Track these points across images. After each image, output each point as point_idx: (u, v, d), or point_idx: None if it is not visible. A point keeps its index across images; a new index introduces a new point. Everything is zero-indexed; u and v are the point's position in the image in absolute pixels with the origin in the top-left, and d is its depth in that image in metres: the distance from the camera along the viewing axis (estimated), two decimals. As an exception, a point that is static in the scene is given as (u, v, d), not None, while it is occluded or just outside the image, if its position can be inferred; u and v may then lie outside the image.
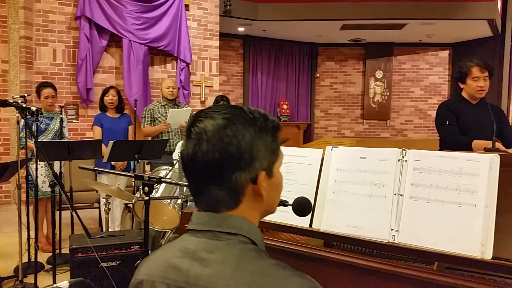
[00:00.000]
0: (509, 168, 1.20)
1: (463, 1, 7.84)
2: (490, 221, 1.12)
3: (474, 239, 1.11)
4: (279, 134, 0.87)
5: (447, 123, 3.07)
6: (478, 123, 2.99)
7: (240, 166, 0.80)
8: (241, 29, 8.70)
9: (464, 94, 3.11)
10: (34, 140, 3.41)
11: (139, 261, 1.80)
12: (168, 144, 4.41)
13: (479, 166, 1.17)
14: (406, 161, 1.26)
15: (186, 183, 2.00)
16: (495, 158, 1.16)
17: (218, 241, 0.81)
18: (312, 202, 1.37)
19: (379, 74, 9.85)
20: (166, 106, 4.69)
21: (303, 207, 1.13)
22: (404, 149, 1.28)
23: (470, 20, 7.89)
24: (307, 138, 9.69)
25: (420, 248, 1.17)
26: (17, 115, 3.60)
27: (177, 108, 4.75)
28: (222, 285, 0.74)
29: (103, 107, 4.56)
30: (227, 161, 0.79)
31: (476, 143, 2.86)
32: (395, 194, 1.25)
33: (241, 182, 0.81)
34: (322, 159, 1.45)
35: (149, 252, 1.93)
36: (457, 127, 3.03)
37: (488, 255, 1.09)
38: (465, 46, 9.42)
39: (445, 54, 9.85)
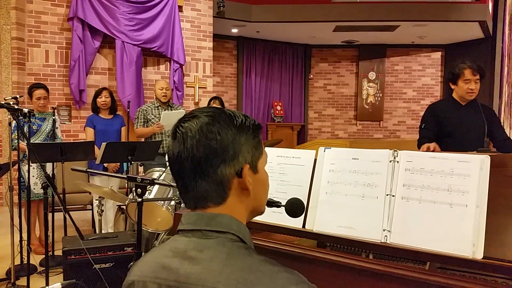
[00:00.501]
0: (499, 169, 1.21)
1: (454, 3, 7.91)
2: (481, 222, 1.13)
3: (465, 239, 1.12)
4: (260, 133, 0.91)
5: (423, 126, 3.13)
6: (466, 124, 3.02)
7: (225, 159, 0.83)
8: (234, 30, 8.70)
9: (454, 95, 3.14)
10: (26, 141, 3.39)
11: (132, 262, 1.80)
12: (161, 146, 4.40)
13: (470, 167, 1.18)
14: (398, 162, 1.27)
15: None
16: (486, 159, 1.18)
17: (208, 239, 0.82)
18: (305, 203, 1.38)
19: (372, 75, 9.91)
20: (159, 108, 4.68)
21: (295, 208, 1.13)
22: (395, 150, 1.29)
23: (461, 22, 7.97)
24: (301, 139, 9.71)
25: (412, 248, 1.18)
26: (9, 116, 3.58)
27: (171, 109, 4.74)
28: (212, 281, 0.76)
29: (95, 109, 4.53)
30: (211, 155, 0.82)
31: (423, 147, 2.91)
32: (387, 195, 1.26)
33: (227, 176, 0.83)
34: (315, 160, 1.46)
35: (143, 253, 1.92)
36: (430, 132, 3.07)
37: (479, 255, 1.10)
38: (457, 48, 9.50)
39: (437, 55, 9.93)
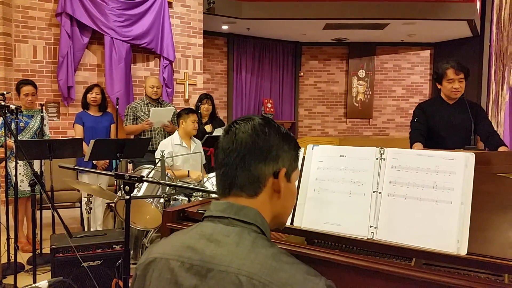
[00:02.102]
0: (484, 166, 1.23)
1: (443, 2, 7.98)
2: (465, 218, 1.14)
3: (450, 236, 1.14)
4: (300, 150, 1.03)
5: (415, 120, 3.19)
6: (454, 122, 3.07)
7: (266, 158, 0.92)
8: (225, 27, 8.68)
9: (442, 94, 3.20)
10: (13, 138, 3.35)
11: (120, 260, 1.79)
12: (150, 143, 4.38)
13: (455, 164, 1.20)
14: (384, 159, 1.29)
15: (168, 182, 1.99)
16: (471, 157, 1.19)
17: (234, 227, 0.88)
18: (293, 200, 1.38)
19: (361, 73, 9.96)
20: (149, 105, 4.66)
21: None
22: (382, 148, 1.30)
23: (450, 21, 8.04)
24: (290, 136, 9.72)
25: (398, 245, 1.19)
26: (-5, 113, 3.53)
27: (161, 106, 4.72)
28: (237, 263, 0.80)
29: (85, 105, 4.49)
30: (256, 152, 0.92)
31: (415, 146, 2.99)
32: (374, 192, 1.27)
33: (264, 173, 0.92)
34: (304, 157, 1.47)
35: (131, 251, 1.92)
36: (422, 125, 3.13)
37: (463, 251, 1.12)
38: (446, 46, 9.58)
39: (426, 53, 10.01)
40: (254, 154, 0.91)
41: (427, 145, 3.00)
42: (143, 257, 0.95)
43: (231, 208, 0.91)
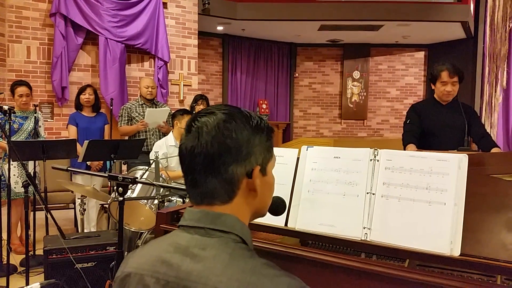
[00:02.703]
0: (477, 168, 1.24)
1: (437, 4, 8.02)
2: (458, 219, 1.15)
3: (444, 237, 1.14)
4: (273, 136, 0.93)
5: (408, 122, 3.19)
6: (447, 123, 3.09)
7: (237, 159, 0.83)
8: (220, 28, 8.67)
9: (435, 95, 3.21)
10: (6, 139, 3.33)
11: (113, 262, 1.79)
12: (145, 144, 4.37)
13: (449, 166, 1.20)
14: (378, 160, 1.29)
15: (162, 184, 1.98)
16: (464, 158, 1.20)
17: (211, 238, 0.82)
18: (288, 202, 1.38)
19: (356, 74, 9.99)
20: (143, 105, 4.64)
21: (277, 206, 1.14)
22: (376, 149, 1.31)
23: (444, 22, 8.08)
24: (286, 137, 9.74)
25: (391, 246, 1.20)
26: (-12, 114, 3.51)
27: (155, 107, 4.71)
28: (214, 281, 0.75)
29: (79, 106, 4.47)
30: (225, 153, 0.82)
31: (408, 147, 3.00)
32: (368, 193, 1.27)
33: (237, 175, 0.84)
34: (298, 158, 1.47)
35: (125, 253, 1.91)
36: (415, 126, 3.14)
37: (456, 252, 1.12)
38: (440, 48, 9.63)
39: (420, 55, 10.05)
40: (223, 156, 0.82)
41: (421, 146, 3.01)
42: (119, 269, 0.89)
43: (206, 217, 0.84)
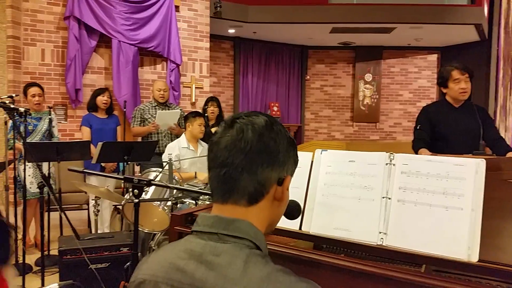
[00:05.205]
0: (495, 173, 1.22)
1: (450, 6, 7.96)
2: (476, 225, 1.14)
3: (461, 242, 1.13)
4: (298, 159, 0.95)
5: (418, 127, 3.14)
6: (460, 126, 3.01)
7: (274, 164, 0.85)
8: (231, 31, 8.71)
9: (447, 98, 3.14)
10: (22, 141, 3.37)
11: (128, 263, 1.80)
12: (157, 145, 4.40)
13: (466, 170, 1.19)
14: (394, 165, 1.28)
15: (178, 186, 1.98)
16: (481, 163, 1.19)
17: (224, 244, 0.81)
18: (302, 205, 1.38)
19: (368, 77, 9.94)
20: (156, 107, 4.68)
21: (292, 210, 1.14)
22: (392, 153, 1.30)
23: (457, 25, 8.01)
24: (297, 140, 9.73)
25: (408, 251, 1.19)
26: (4, 115, 3.57)
27: (168, 109, 4.74)
28: None
29: (94, 107, 4.52)
30: (266, 155, 0.84)
31: (421, 151, 2.95)
32: (383, 197, 1.27)
33: (270, 179, 0.85)
34: (312, 162, 1.47)
35: (139, 254, 1.93)
36: (425, 133, 3.08)
37: (474, 258, 1.11)
38: (453, 50, 9.55)
39: (433, 58, 9.97)
40: (264, 157, 0.83)
41: (433, 150, 2.96)
42: (133, 275, 0.89)
43: (220, 222, 0.83)
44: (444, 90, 3.12)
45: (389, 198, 1.26)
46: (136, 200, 1.66)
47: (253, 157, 0.82)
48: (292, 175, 0.91)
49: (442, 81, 3.09)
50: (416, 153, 2.98)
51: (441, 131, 3.05)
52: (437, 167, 1.23)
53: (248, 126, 0.84)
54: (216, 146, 0.86)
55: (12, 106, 3.33)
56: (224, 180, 0.85)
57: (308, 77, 10.11)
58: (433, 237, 1.17)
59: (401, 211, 1.23)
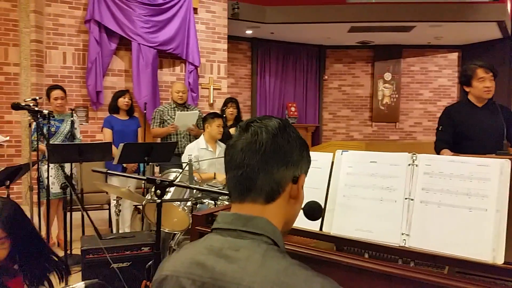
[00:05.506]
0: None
1: (472, 3, 7.81)
2: (501, 226, 1.12)
3: (485, 244, 1.11)
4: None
5: (440, 128, 3.10)
6: (483, 126, 2.97)
7: (288, 163, 0.89)
8: (249, 32, 8.73)
9: (470, 97, 3.09)
10: (45, 142, 3.45)
11: (151, 262, 1.83)
12: (176, 146, 4.44)
13: (490, 171, 1.17)
14: (416, 165, 1.27)
15: (199, 187, 2.01)
16: (506, 163, 1.17)
17: (243, 239, 0.85)
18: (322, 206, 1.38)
19: (387, 76, 9.83)
20: (175, 109, 4.73)
21: (313, 211, 1.15)
22: (414, 154, 1.29)
23: (479, 22, 7.86)
24: (315, 140, 9.69)
25: (430, 252, 1.17)
26: (28, 117, 3.66)
27: (187, 110, 4.78)
28: (248, 281, 0.77)
29: (116, 109, 4.59)
30: (280, 155, 0.88)
31: (443, 152, 2.91)
32: (406, 199, 1.26)
33: (285, 178, 0.89)
34: (332, 162, 1.46)
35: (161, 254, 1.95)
36: (447, 134, 3.05)
37: (499, 260, 1.09)
38: (474, 48, 9.37)
39: (454, 56, 9.81)
40: (278, 157, 0.87)
41: (456, 151, 2.92)
42: (156, 273, 0.93)
43: (238, 220, 0.87)
44: (467, 89, 3.07)
45: (412, 199, 1.25)
46: (159, 200, 1.68)
47: (268, 158, 0.86)
48: (306, 173, 0.95)
49: (466, 79, 3.04)
50: (438, 154, 2.95)
51: (464, 131, 3.01)
52: (460, 168, 1.21)
53: (262, 129, 0.88)
54: (232, 149, 0.91)
55: (36, 108, 3.42)
56: (242, 180, 0.88)
57: (326, 77, 10.05)
58: (456, 238, 1.15)
59: (424, 212, 1.22)
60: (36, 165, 3.77)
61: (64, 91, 4.42)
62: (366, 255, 1.29)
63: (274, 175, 0.87)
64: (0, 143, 3.85)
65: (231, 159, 0.90)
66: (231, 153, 0.91)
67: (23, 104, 3.40)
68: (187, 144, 4.35)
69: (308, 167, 0.96)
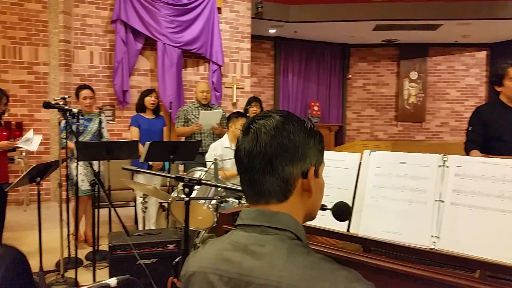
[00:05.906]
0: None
1: (500, 0, 7.60)
2: (535, 230, 1.09)
3: (518, 248, 1.09)
4: (323, 143, 0.96)
5: (470, 129, 3.05)
6: None
7: (294, 159, 0.87)
8: (272, 31, 8.73)
9: (502, 97, 3.02)
10: (75, 140, 3.54)
11: (178, 258, 1.86)
12: (200, 145, 4.49)
13: (524, 173, 1.15)
14: (447, 167, 1.25)
15: (225, 185, 2.03)
16: (541, 165, 1.14)
17: (267, 235, 0.85)
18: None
19: (413, 75, 9.66)
20: (199, 108, 4.78)
21: (342, 212, 1.15)
22: (445, 155, 1.27)
23: (508, 20, 7.64)
24: (338, 140, 9.61)
25: (461, 255, 1.16)
26: (58, 116, 3.76)
27: (210, 109, 4.82)
28: (275, 275, 0.78)
29: (142, 108, 4.66)
30: (283, 153, 0.86)
31: (472, 153, 2.86)
32: (436, 200, 1.24)
33: (293, 175, 0.87)
34: (360, 163, 1.46)
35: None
36: (478, 135, 2.99)
37: (533, 264, 1.07)
38: (503, 47, 9.12)
39: (482, 55, 9.57)
40: (281, 156, 0.85)
41: (487, 151, 2.86)
42: (183, 268, 0.94)
43: (262, 216, 0.87)
44: (499, 89, 3.01)
45: (442, 201, 1.23)
46: (187, 198, 1.71)
47: (271, 158, 0.85)
48: (319, 162, 0.92)
49: (497, 79, 2.98)
50: (468, 154, 2.89)
51: (495, 131, 2.95)
52: (492, 170, 1.19)
53: (261, 130, 0.87)
54: (238, 153, 0.91)
55: (66, 107, 3.51)
56: (251, 184, 0.89)
57: (350, 75, 9.96)
58: (488, 241, 1.14)
59: (455, 214, 1.20)
60: (65, 162, 3.87)
61: (92, 90, 4.52)
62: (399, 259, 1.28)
63: (281, 175, 0.86)
64: (32, 149, 3.90)
65: (239, 164, 0.91)
66: (237, 157, 0.91)
67: (53, 103, 3.49)
68: (211, 143, 4.38)
69: (320, 156, 0.93)
